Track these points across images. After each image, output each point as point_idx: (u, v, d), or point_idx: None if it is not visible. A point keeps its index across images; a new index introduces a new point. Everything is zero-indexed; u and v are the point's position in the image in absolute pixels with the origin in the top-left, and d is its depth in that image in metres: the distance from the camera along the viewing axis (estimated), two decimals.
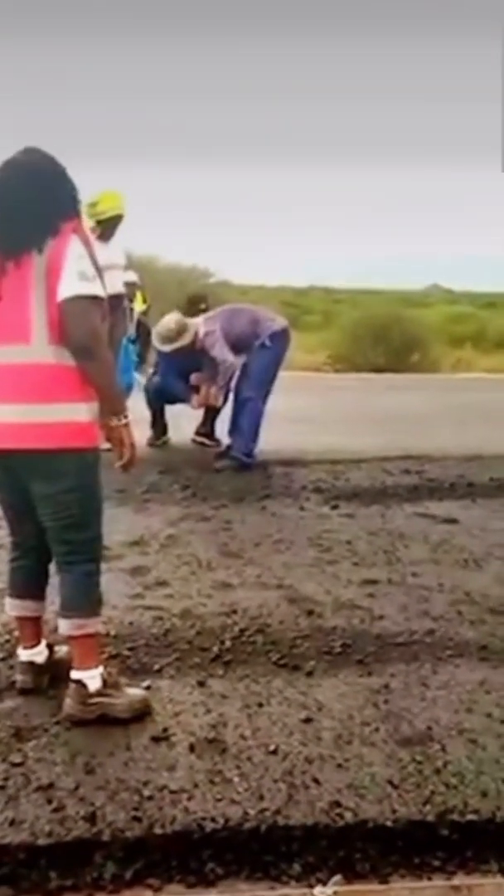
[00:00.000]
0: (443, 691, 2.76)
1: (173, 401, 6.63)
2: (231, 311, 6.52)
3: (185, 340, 6.11)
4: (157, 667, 2.88)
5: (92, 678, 2.51)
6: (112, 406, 2.52)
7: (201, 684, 2.77)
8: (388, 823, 2.10)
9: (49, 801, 2.14)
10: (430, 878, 2.01)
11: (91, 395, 2.46)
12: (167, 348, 6.19)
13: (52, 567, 2.64)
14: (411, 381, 13.53)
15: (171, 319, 6.21)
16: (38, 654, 2.73)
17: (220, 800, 2.16)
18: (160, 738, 2.43)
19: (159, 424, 6.74)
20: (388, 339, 17.65)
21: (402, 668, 2.93)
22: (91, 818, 2.08)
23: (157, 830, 2.05)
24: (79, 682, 2.51)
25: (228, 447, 6.23)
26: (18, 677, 2.72)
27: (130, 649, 3.00)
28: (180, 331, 6.11)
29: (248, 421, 6.14)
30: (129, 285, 8.26)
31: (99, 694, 2.51)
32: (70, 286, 2.36)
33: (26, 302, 2.39)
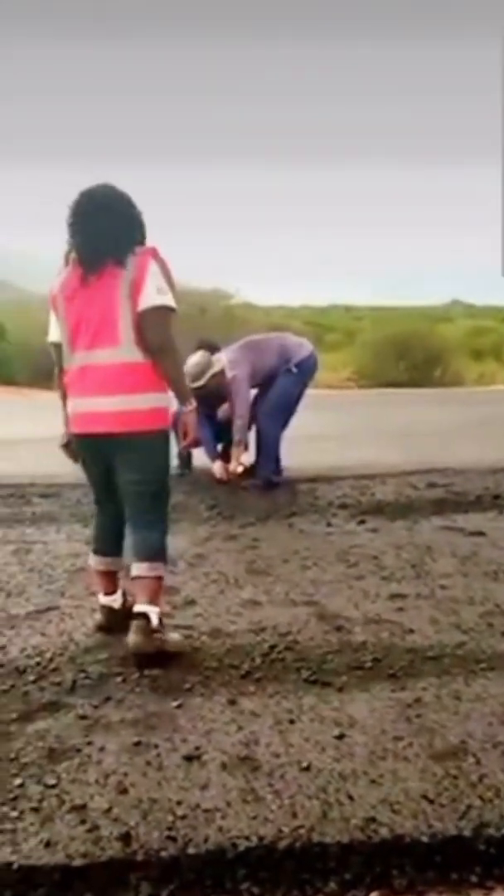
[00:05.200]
0: (476, 704, 2.73)
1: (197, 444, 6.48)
2: (257, 345, 6.34)
3: (208, 380, 6.05)
4: (187, 685, 2.87)
5: (154, 613, 3.04)
6: (182, 396, 3.13)
7: (232, 702, 2.76)
8: (425, 839, 2.07)
9: (83, 822, 2.13)
10: (467, 894, 1.97)
11: (165, 386, 3.05)
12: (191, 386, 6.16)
13: None
14: (434, 395, 13.49)
15: (195, 359, 6.10)
16: (115, 601, 3.36)
17: (253, 818, 2.15)
18: (192, 757, 2.43)
19: (186, 455, 6.67)
20: (410, 354, 17.69)
21: (433, 681, 2.90)
22: (125, 838, 2.07)
23: (192, 850, 2.04)
24: (144, 616, 3.02)
25: (254, 465, 6.21)
26: (97, 616, 3.38)
27: (161, 667, 3.00)
28: (202, 371, 6.04)
29: (270, 445, 6.16)
30: None
31: (156, 631, 3.03)
32: (150, 298, 2.94)
33: (115, 311, 2.96)
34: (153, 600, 3.08)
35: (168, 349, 2.99)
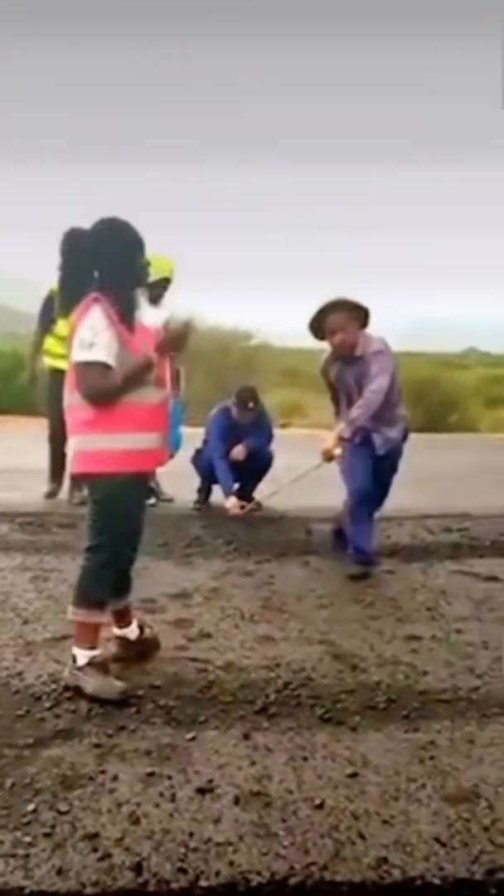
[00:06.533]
0: (489, 748, 2.72)
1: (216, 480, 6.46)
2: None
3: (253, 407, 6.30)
4: (201, 718, 2.89)
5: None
6: (147, 372, 3.01)
7: (246, 737, 2.76)
8: (436, 881, 2.07)
9: (95, 850, 2.14)
10: None
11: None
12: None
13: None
14: (450, 440, 13.48)
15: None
16: (131, 632, 3.40)
17: (265, 854, 2.15)
18: (205, 790, 2.43)
19: (205, 491, 6.71)
20: (426, 399, 17.71)
21: (447, 724, 2.90)
22: (137, 868, 2.07)
23: (203, 883, 2.04)
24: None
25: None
26: (112, 648, 3.38)
27: (176, 699, 3.01)
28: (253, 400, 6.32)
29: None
30: None
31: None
32: (74, 353, 2.95)
33: None
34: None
35: (101, 400, 2.96)
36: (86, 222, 3.04)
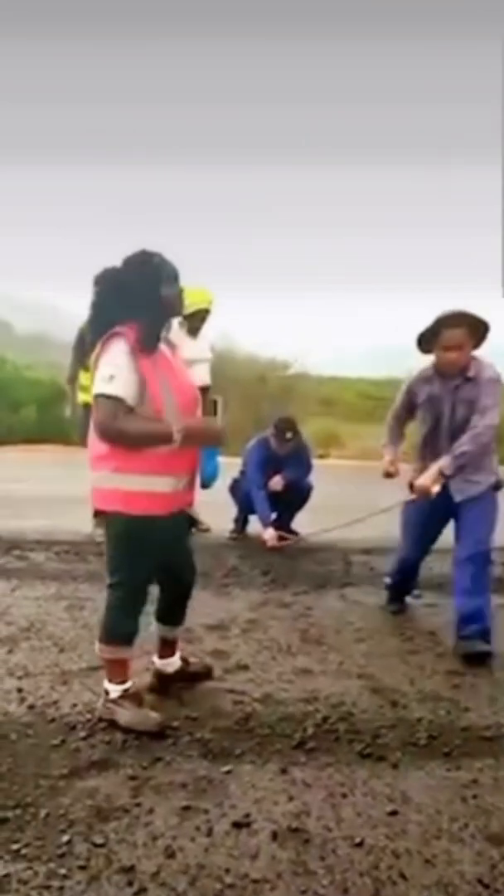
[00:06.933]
0: None
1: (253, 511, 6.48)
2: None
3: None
4: (238, 751, 2.84)
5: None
6: (164, 442, 2.87)
7: (283, 771, 2.71)
8: None
9: (130, 884, 2.11)
10: None
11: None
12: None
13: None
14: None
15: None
16: (169, 665, 3.40)
17: (303, 892, 2.10)
18: (242, 825, 2.39)
19: (242, 521, 6.71)
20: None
21: (490, 762, 2.83)
22: None
23: None
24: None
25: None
26: (148, 679, 3.38)
27: (212, 731, 2.97)
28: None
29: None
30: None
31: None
32: (94, 386, 2.87)
33: None
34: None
35: (109, 438, 2.85)
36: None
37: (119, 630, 3.06)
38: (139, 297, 2.92)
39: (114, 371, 2.82)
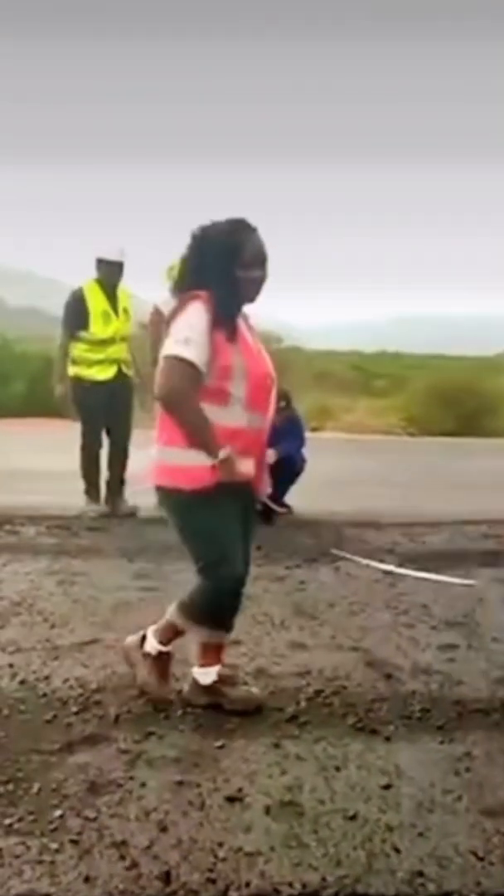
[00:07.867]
0: None
1: None
2: None
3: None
4: (230, 725, 2.83)
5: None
6: (205, 448, 2.75)
7: (276, 745, 2.71)
8: None
9: (122, 858, 2.09)
10: None
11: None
12: None
13: None
14: (489, 445, 13.35)
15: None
16: (205, 675, 2.99)
17: (297, 864, 2.09)
18: (235, 799, 2.38)
19: None
20: (459, 403, 17.53)
21: (483, 735, 2.82)
22: (165, 877, 2.02)
23: (233, 893, 1.98)
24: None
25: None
26: (185, 687, 3.04)
27: (204, 707, 2.96)
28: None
29: None
30: None
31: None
32: (164, 347, 2.78)
33: None
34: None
35: (169, 403, 2.77)
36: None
37: (210, 614, 3.00)
38: (212, 270, 2.80)
39: (190, 333, 2.73)
